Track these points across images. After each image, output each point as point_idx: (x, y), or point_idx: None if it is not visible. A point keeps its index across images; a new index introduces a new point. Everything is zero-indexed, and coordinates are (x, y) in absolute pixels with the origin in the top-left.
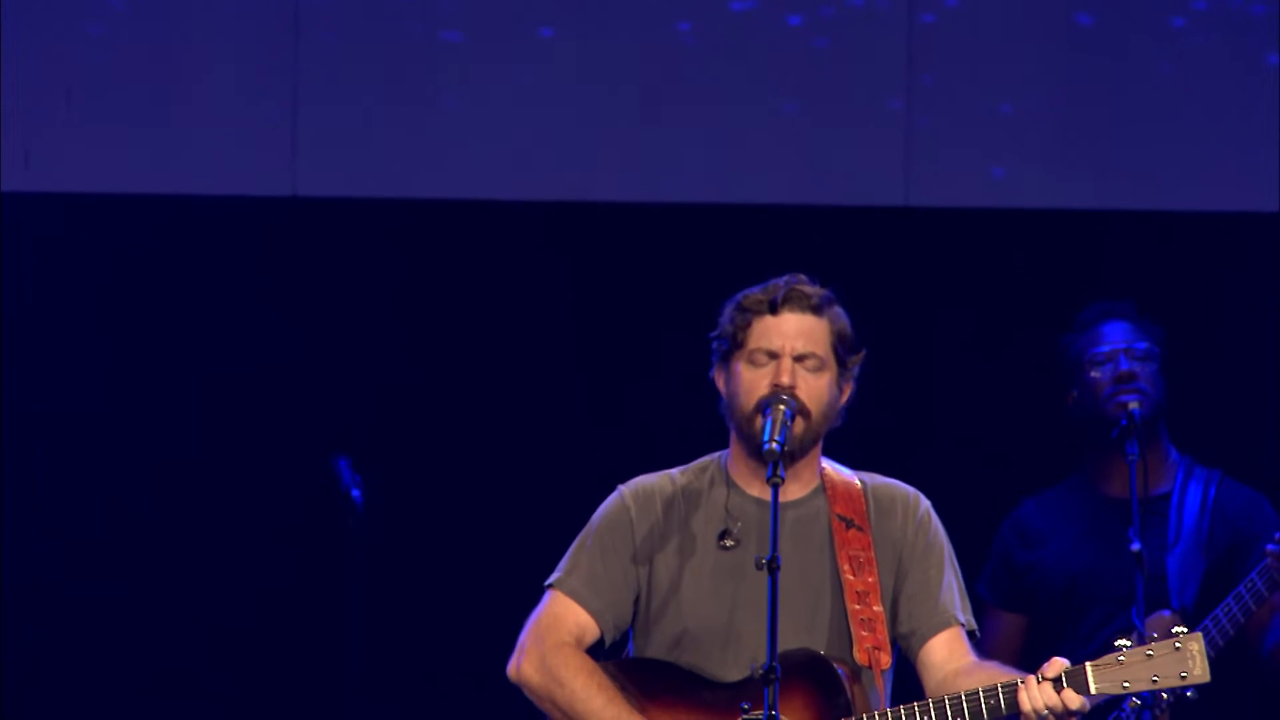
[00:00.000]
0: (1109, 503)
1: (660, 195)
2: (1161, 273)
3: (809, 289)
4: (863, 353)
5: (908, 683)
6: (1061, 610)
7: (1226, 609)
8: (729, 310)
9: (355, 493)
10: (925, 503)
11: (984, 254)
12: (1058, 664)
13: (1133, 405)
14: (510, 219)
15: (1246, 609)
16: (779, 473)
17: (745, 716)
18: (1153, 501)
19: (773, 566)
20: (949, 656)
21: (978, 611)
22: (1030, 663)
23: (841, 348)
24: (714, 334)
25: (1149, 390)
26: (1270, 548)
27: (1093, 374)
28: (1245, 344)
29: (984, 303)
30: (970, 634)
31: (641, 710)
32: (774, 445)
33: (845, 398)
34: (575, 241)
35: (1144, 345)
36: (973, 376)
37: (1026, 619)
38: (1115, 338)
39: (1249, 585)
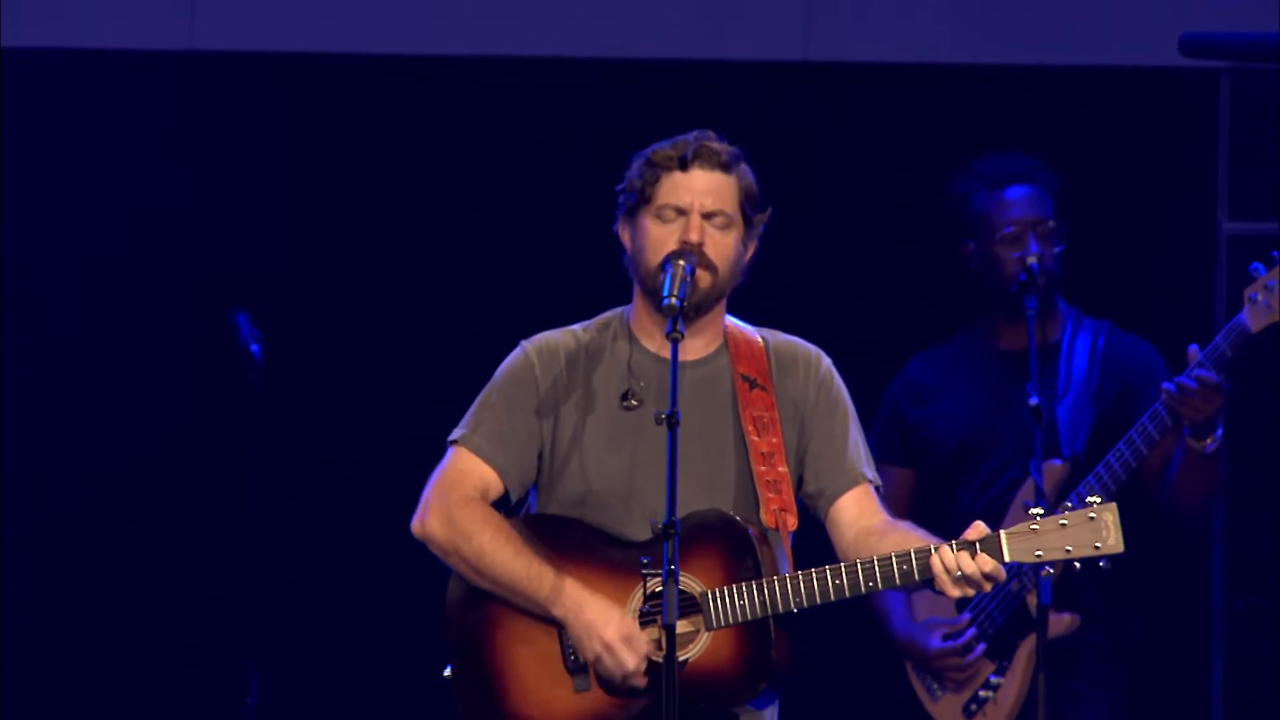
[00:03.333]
0: (1000, 356)
1: (553, 49)
2: (1069, 130)
3: (718, 146)
4: (768, 211)
5: (820, 545)
6: (955, 465)
7: (1118, 454)
8: (637, 165)
9: (254, 347)
10: (826, 361)
11: (886, 111)
12: (977, 529)
13: (1031, 260)
14: (410, 73)
15: (1138, 453)
16: (679, 328)
17: (644, 572)
18: (1041, 352)
19: (671, 421)
20: (859, 514)
21: None
22: (919, 517)
23: (748, 206)
24: (620, 187)
25: (1054, 270)
26: (1167, 386)
27: (998, 250)
28: (1137, 200)
29: (885, 161)
30: (877, 489)
31: (547, 561)
32: (674, 300)
33: (750, 255)
34: (472, 96)
35: (1051, 220)
36: (873, 238)
37: (915, 473)
38: (1021, 211)
39: (1140, 429)
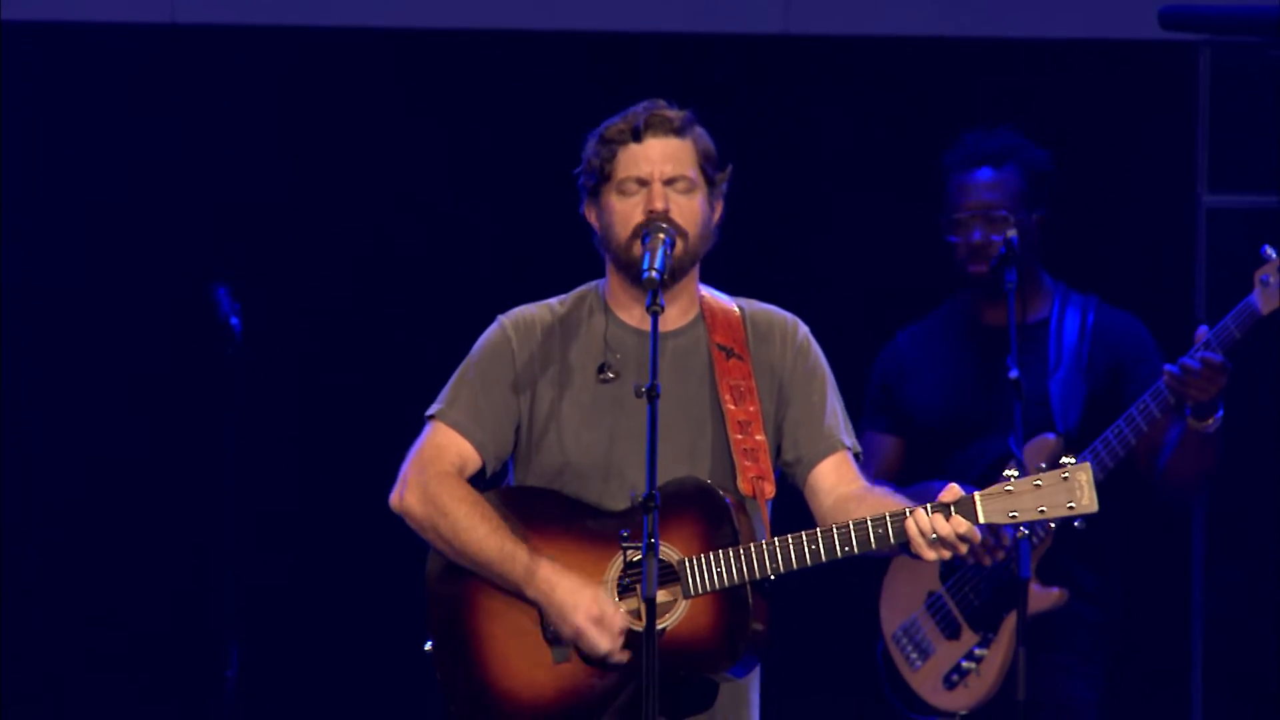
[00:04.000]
0: (985, 331)
1: (535, 23)
2: (1049, 103)
3: (669, 112)
4: (729, 169)
5: (800, 514)
6: (942, 441)
7: (1117, 431)
8: (592, 144)
9: (234, 321)
10: (803, 328)
11: (866, 85)
12: (952, 491)
13: (1011, 233)
14: (392, 47)
15: (1138, 430)
16: (659, 301)
17: (624, 544)
18: (1030, 328)
19: (652, 395)
20: (837, 481)
21: (858, 437)
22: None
23: (708, 166)
24: (579, 170)
25: (995, 260)
26: (1170, 368)
27: (953, 237)
28: (1125, 174)
29: (866, 135)
30: (856, 456)
31: (524, 539)
32: (654, 274)
33: (718, 216)
34: (452, 70)
35: (1004, 209)
36: (853, 211)
37: (905, 441)
38: (975, 197)
39: (1141, 407)
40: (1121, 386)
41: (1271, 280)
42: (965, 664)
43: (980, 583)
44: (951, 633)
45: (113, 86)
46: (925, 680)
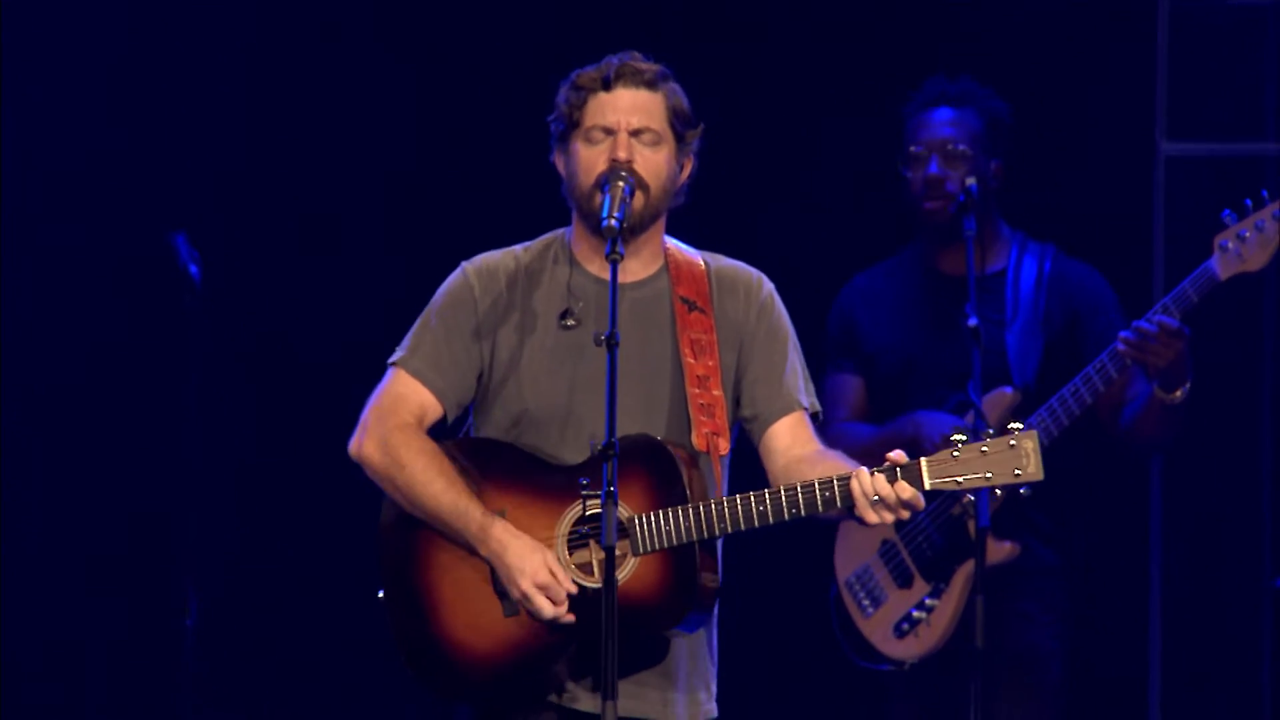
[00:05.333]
0: (942, 279)
1: None
2: (1008, 51)
3: (642, 64)
4: (701, 127)
5: (756, 468)
6: (899, 384)
7: (1074, 390)
8: (563, 90)
9: (193, 269)
10: (769, 285)
11: (825, 34)
12: (895, 456)
13: (970, 181)
14: None
15: (1095, 390)
16: (618, 249)
17: (584, 493)
18: (987, 279)
19: (611, 343)
20: (792, 442)
21: (822, 377)
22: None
23: (678, 122)
24: (550, 116)
25: (955, 193)
26: (1125, 335)
27: (907, 172)
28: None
29: (825, 84)
30: (814, 416)
31: (479, 491)
32: (612, 221)
33: (686, 174)
34: (415, 12)
35: (962, 144)
36: (814, 161)
37: (868, 383)
38: (933, 133)
39: (1099, 368)
40: (1078, 338)
41: (1230, 246)
42: (916, 613)
43: (934, 532)
44: (904, 581)
45: (71, 33)
46: (876, 628)
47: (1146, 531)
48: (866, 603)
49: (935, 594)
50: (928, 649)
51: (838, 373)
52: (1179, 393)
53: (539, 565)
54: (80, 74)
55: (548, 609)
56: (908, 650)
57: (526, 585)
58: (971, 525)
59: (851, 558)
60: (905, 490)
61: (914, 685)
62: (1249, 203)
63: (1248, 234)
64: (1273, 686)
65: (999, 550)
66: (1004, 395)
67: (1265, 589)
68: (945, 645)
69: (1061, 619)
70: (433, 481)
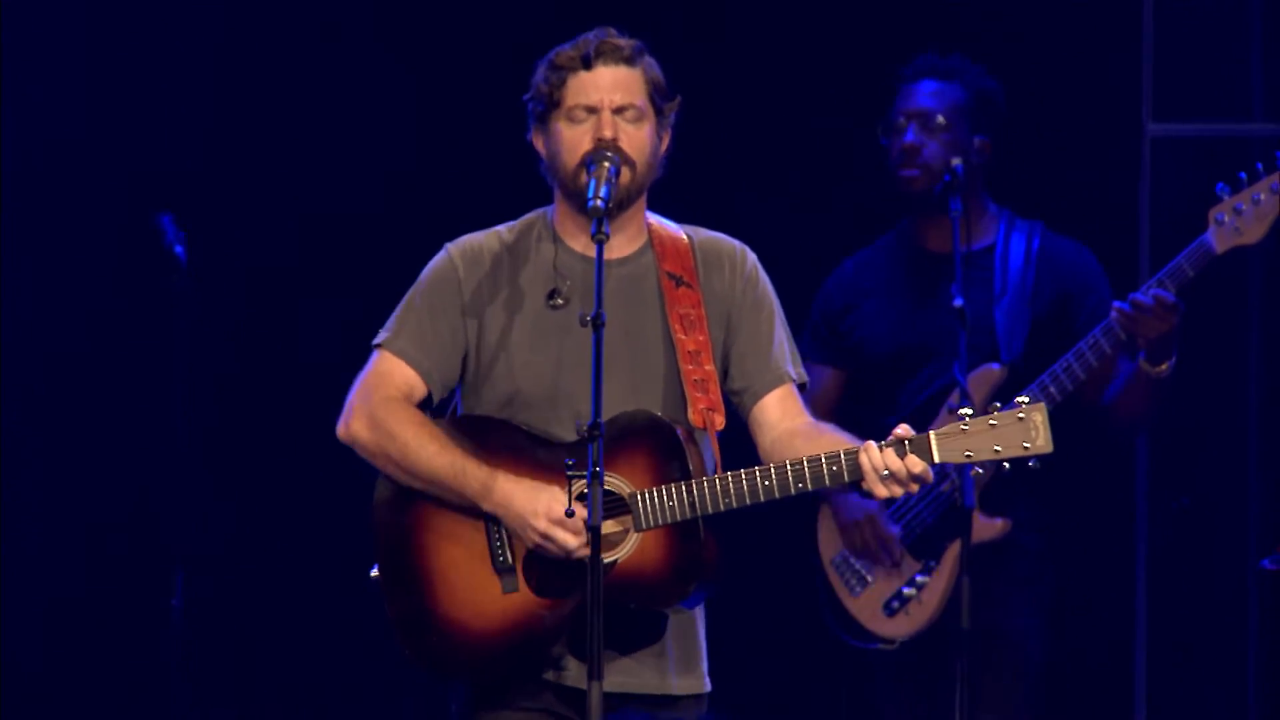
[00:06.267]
0: (930, 258)
1: None
2: (995, 32)
3: (620, 41)
4: (678, 99)
5: (747, 443)
6: (890, 368)
7: (1066, 366)
8: (542, 70)
9: (179, 249)
10: (752, 257)
11: (812, 15)
12: (903, 429)
13: (956, 161)
14: None
15: (1088, 365)
16: (604, 229)
17: (570, 473)
18: (975, 256)
19: (597, 323)
20: (782, 415)
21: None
22: (855, 418)
23: (658, 96)
24: (528, 95)
25: (931, 165)
26: (1120, 306)
27: (884, 140)
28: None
29: (811, 65)
30: (801, 387)
31: (474, 457)
32: (599, 202)
33: (665, 146)
34: None
35: (941, 115)
36: (802, 141)
37: (845, 374)
38: (914, 103)
39: (1092, 343)
40: (1069, 316)
41: (1226, 219)
42: (907, 591)
43: (923, 510)
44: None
45: (58, 12)
46: (865, 607)
47: (1133, 514)
48: (854, 581)
49: (926, 571)
50: (919, 626)
51: (809, 364)
52: (1164, 366)
53: (550, 502)
54: (67, 55)
55: (571, 540)
56: (898, 628)
57: (543, 524)
58: (961, 501)
59: (835, 537)
60: (915, 464)
61: (900, 665)
62: (1243, 176)
63: (1244, 207)
64: (1258, 669)
65: (990, 527)
66: (990, 371)
67: (1251, 571)
68: (936, 623)
69: (1042, 599)
70: (425, 446)
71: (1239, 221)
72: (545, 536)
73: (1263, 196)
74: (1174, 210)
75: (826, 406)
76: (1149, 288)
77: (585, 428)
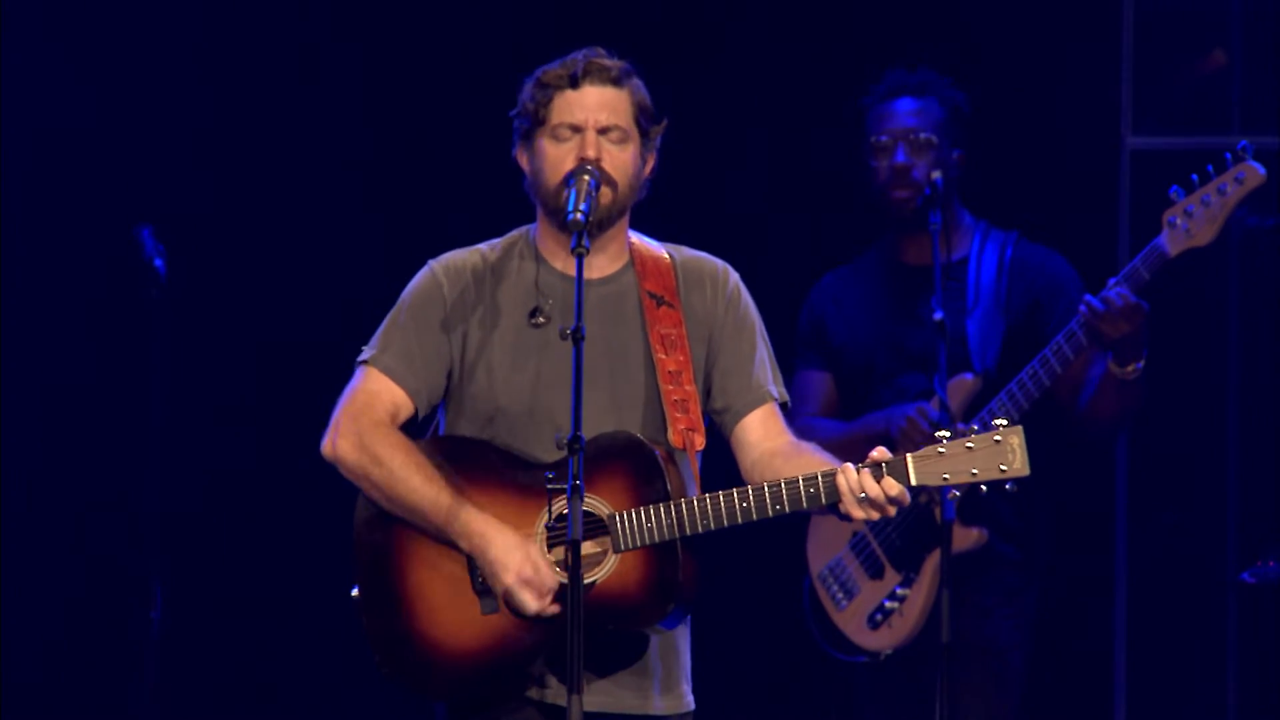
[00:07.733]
0: (906, 270)
1: None
2: (974, 44)
3: (608, 61)
4: (664, 123)
5: (730, 464)
6: (866, 381)
7: (1032, 373)
8: (529, 87)
9: (158, 262)
10: (734, 276)
11: (788, 22)
12: (879, 453)
13: (936, 174)
14: None
15: (1052, 372)
16: (584, 243)
17: (549, 487)
18: (951, 267)
19: (576, 337)
20: (764, 435)
21: (791, 374)
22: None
23: (643, 118)
24: (514, 112)
25: (922, 182)
26: (1090, 299)
27: (873, 162)
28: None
29: (786, 74)
30: (783, 406)
31: (457, 488)
32: (578, 216)
33: (649, 169)
34: (379, 6)
35: (926, 132)
36: (780, 153)
37: (838, 377)
38: (897, 122)
39: (1055, 349)
40: (1039, 321)
41: (1179, 222)
42: (888, 604)
43: (902, 522)
44: (875, 572)
45: (37, 29)
46: (850, 620)
47: (1112, 524)
48: (840, 595)
49: (906, 583)
50: (901, 639)
51: (807, 368)
52: (1132, 368)
53: (522, 560)
54: (47, 71)
55: (533, 603)
56: (881, 641)
57: (511, 580)
58: (939, 513)
59: (823, 551)
60: (892, 487)
61: (882, 679)
62: (1195, 178)
63: (1195, 209)
64: (1237, 682)
65: (967, 537)
66: (965, 381)
67: (1230, 583)
68: (918, 635)
69: (1024, 612)
70: (411, 477)
71: (1190, 224)
72: (508, 594)
73: (1212, 198)
74: (1153, 223)
75: (830, 409)
76: (1107, 291)
77: (564, 441)
